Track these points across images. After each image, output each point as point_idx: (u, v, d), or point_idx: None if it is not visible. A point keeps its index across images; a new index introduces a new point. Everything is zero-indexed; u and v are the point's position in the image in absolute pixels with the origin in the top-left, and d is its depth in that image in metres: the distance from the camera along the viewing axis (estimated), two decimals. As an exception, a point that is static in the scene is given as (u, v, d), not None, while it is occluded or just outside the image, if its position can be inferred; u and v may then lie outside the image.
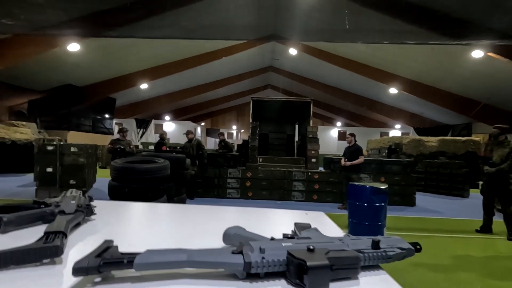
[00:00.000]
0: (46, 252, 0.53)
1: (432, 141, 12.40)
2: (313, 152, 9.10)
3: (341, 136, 25.91)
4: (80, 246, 0.65)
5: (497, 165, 5.01)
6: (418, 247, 0.63)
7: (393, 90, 17.75)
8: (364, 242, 0.59)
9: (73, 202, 0.79)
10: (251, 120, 10.11)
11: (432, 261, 3.78)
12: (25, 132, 12.13)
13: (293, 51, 17.11)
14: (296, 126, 12.69)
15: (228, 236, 0.63)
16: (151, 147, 15.00)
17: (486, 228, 5.30)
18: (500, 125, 5.28)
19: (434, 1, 7.16)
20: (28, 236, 0.61)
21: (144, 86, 18.53)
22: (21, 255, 0.52)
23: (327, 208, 7.05)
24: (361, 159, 6.85)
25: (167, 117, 28.37)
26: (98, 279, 0.49)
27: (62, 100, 16.45)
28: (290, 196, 8.11)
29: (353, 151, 6.93)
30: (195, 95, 23.39)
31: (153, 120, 26.26)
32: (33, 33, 7.60)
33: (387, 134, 25.33)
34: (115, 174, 4.32)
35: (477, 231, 5.34)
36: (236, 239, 0.60)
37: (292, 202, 7.94)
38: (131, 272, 0.49)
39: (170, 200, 4.82)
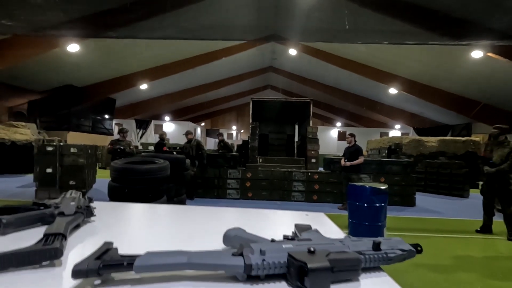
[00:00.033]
0: (46, 254, 0.53)
1: (432, 141, 12.41)
2: (313, 152, 9.10)
3: (341, 136, 25.92)
4: (79, 248, 0.65)
5: (497, 165, 5.01)
6: (419, 248, 0.63)
7: (392, 90, 17.76)
8: (365, 243, 0.59)
9: (72, 203, 0.79)
10: (251, 121, 10.11)
11: (432, 262, 3.78)
12: (25, 132, 12.12)
13: (292, 52, 17.12)
14: (296, 127, 12.70)
15: (228, 237, 0.63)
16: (151, 148, 15.00)
17: (486, 228, 5.30)
18: (500, 125, 5.28)
19: (433, 1, 7.17)
20: (28, 237, 0.61)
21: (144, 86, 18.53)
22: (21, 257, 0.52)
23: (327, 209, 7.05)
24: (361, 160, 6.85)
25: (167, 118, 28.37)
26: (98, 282, 0.48)
27: (62, 101, 16.45)
28: (290, 197, 8.11)
29: (353, 152, 6.93)
30: (195, 95, 23.40)
31: (153, 121, 26.26)
32: (33, 34, 7.60)
33: (387, 134, 25.34)
34: (115, 175, 4.32)
35: (477, 231, 5.34)
36: (236, 240, 0.60)
37: (292, 203, 7.94)
38: (131, 275, 0.49)
39: (170, 200, 4.82)
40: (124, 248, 0.54)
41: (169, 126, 27.08)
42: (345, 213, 4.67)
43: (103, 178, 7.36)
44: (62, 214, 0.73)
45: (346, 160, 6.93)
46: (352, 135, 7.11)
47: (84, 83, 16.69)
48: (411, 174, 8.16)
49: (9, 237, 0.67)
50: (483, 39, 6.56)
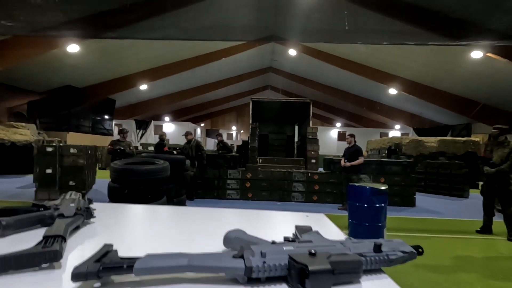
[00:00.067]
0: (45, 256, 0.53)
1: (431, 141, 12.41)
2: (313, 152, 9.11)
3: (341, 136, 25.92)
4: (79, 250, 0.64)
5: (497, 166, 5.01)
6: (420, 250, 0.63)
7: (392, 91, 17.77)
8: (366, 245, 0.59)
9: (72, 205, 0.78)
10: (250, 121, 10.11)
11: (433, 262, 3.78)
12: (25, 133, 12.11)
13: (292, 52, 17.12)
14: (296, 127, 12.70)
15: (228, 239, 0.63)
16: (151, 148, 15.00)
17: (486, 228, 5.29)
18: (499, 125, 5.28)
19: (433, 1, 7.17)
20: (27, 239, 0.61)
21: (143, 87, 18.53)
22: (20, 260, 0.51)
23: (327, 209, 7.04)
24: (361, 160, 6.85)
25: (166, 118, 28.37)
26: (97, 285, 0.48)
27: (62, 101, 16.44)
28: (290, 197, 8.11)
29: (352, 152, 6.93)
30: (194, 96, 23.41)
31: (152, 121, 26.26)
32: (32, 34, 7.60)
33: (386, 134, 25.35)
34: (114, 176, 4.31)
35: (477, 231, 5.34)
36: (237, 242, 0.60)
37: (292, 203, 7.94)
38: (131, 277, 0.49)
39: (169, 201, 4.81)
40: (124, 250, 0.54)
41: (169, 127, 27.08)
42: (345, 213, 4.66)
43: (103, 179, 7.36)
44: (61, 215, 0.73)
45: (346, 160, 6.93)
46: (352, 135, 7.10)
47: (83, 83, 16.69)
48: (411, 174, 8.16)
49: (8, 239, 0.67)
50: (483, 39, 6.57)
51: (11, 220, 0.70)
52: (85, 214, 0.80)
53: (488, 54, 10.69)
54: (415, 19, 7.18)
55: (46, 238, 0.58)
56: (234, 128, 36.60)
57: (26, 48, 10.77)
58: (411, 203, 7.90)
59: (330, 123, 31.56)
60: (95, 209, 0.85)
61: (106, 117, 21.30)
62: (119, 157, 6.56)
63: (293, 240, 0.60)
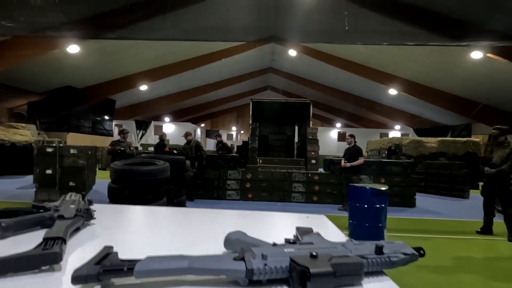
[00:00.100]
0: (45, 259, 0.53)
1: (432, 142, 12.41)
2: (313, 153, 9.10)
3: (341, 137, 25.92)
4: (79, 252, 0.64)
5: (497, 166, 5.01)
6: (421, 252, 0.62)
7: (392, 91, 17.78)
8: (367, 247, 0.59)
9: (72, 206, 0.78)
10: (250, 122, 10.10)
11: (433, 263, 3.77)
12: (25, 134, 12.10)
13: (292, 53, 17.13)
14: (296, 127, 12.70)
15: (229, 241, 0.62)
16: (151, 149, 15.00)
17: (486, 229, 5.29)
18: (500, 126, 5.28)
19: (433, 2, 7.17)
20: (27, 241, 0.61)
21: (143, 87, 18.54)
22: (20, 262, 0.51)
23: (327, 210, 7.04)
24: (361, 160, 6.84)
25: (166, 119, 28.38)
26: (97, 287, 0.48)
27: (62, 102, 16.45)
28: (290, 198, 8.10)
29: (353, 152, 6.93)
30: (194, 96, 23.41)
31: (152, 122, 26.27)
32: (33, 35, 7.60)
33: (386, 135, 25.36)
34: (114, 176, 4.31)
35: (477, 232, 5.34)
36: (238, 244, 0.59)
37: (292, 204, 7.93)
38: (131, 280, 0.48)
39: (170, 202, 4.81)
40: (124, 252, 0.53)
41: (169, 127, 27.09)
42: (345, 214, 4.66)
43: (103, 179, 7.35)
44: (61, 217, 0.72)
45: (346, 161, 6.93)
46: (352, 136, 7.10)
47: (83, 84, 16.69)
48: (411, 175, 8.16)
49: (8, 241, 0.67)
50: (483, 40, 6.57)
51: (11, 222, 0.69)
52: (85, 216, 0.80)
53: (488, 55, 10.70)
54: (415, 20, 7.19)
55: (46, 240, 0.58)
56: (234, 128, 36.61)
57: (26, 48, 10.77)
58: (411, 203, 7.89)
59: (330, 123, 31.57)
60: (95, 211, 0.85)
61: (106, 117, 21.31)
62: (119, 157, 6.56)
63: (294, 242, 0.60)
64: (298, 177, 8.12)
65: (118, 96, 19.35)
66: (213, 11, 8.80)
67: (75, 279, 0.45)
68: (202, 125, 35.06)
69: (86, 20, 7.02)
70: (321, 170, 8.76)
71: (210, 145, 28.70)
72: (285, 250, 0.53)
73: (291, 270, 0.50)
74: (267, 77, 25.27)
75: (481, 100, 15.35)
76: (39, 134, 13.60)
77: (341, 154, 7.40)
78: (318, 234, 0.66)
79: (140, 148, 17.92)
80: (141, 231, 0.92)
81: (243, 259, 0.50)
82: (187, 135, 8.05)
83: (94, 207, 0.87)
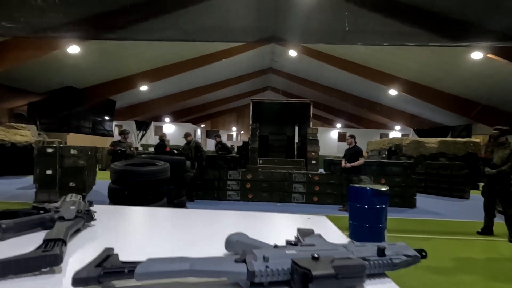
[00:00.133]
0: (45, 260, 0.52)
1: (432, 142, 12.41)
2: (313, 153, 9.10)
3: (341, 137, 25.94)
4: (80, 253, 0.64)
5: (498, 167, 5.00)
6: (423, 253, 0.62)
7: (392, 92, 17.78)
8: (369, 249, 0.58)
9: (72, 207, 0.78)
10: (251, 122, 10.11)
11: (434, 264, 3.76)
12: (25, 134, 12.11)
13: (292, 53, 17.13)
14: (296, 128, 12.69)
15: (230, 243, 0.62)
16: (151, 149, 15.00)
17: (487, 230, 5.28)
18: (500, 126, 5.28)
19: (433, 3, 7.18)
20: (27, 243, 0.60)
21: (144, 88, 18.55)
22: (20, 264, 0.51)
23: (328, 210, 7.04)
24: (361, 161, 6.84)
25: (167, 119, 28.39)
26: (98, 290, 0.47)
27: (62, 102, 16.46)
28: (290, 198, 8.10)
29: (353, 153, 6.93)
30: (195, 97, 23.42)
31: (153, 122, 26.28)
32: (33, 35, 7.61)
33: (387, 135, 25.36)
34: (115, 177, 4.31)
35: (478, 233, 5.33)
36: (239, 246, 0.59)
37: (293, 204, 7.93)
38: (132, 282, 0.48)
39: (170, 202, 4.81)
40: (125, 253, 0.53)
41: (169, 128, 27.11)
42: (345, 214, 4.66)
43: (103, 180, 7.35)
44: (62, 218, 0.72)
45: (346, 161, 6.92)
46: (352, 136, 7.10)
47: (84, 84, 16.70)
48: (412, 175, 8.15)
49: (8, 243, 0.66)
50: (483, 40, 6.57)
51: (11, 223, 0.69)
52: (86, 217, 0.80)
53: (489, 55, 10.70)
54: (416, 20, 7.19)
55: (46, 241, 0.57)
56: (234, 129, 36.62)
57: (26, 49, 10.78)
58: (411, 204, 7.89)
59: (330, 124, 31.57)
60: (95, 212, 0.85)
61: (107, 118, 21.32)
62: (120, 158, 6.56)
63: (295, 244, 0.59)
64: (299, 177, 8.12)
65: (118, 96, 19.36)
66: (213, 12, 8.81)
67: (76, 281, 0.45)
68: (202, 125, 35.08)
69: (86, 21, 7.03)
70: (321, 170, 8.75)
71: (210, 145, 28.69)
72: (287, 252, 0.53)
73: (292, 273, 0.49)
74: (267, 78, 25.28)
75: (481, 100, 15.35)
76: (39, 134, 13.61)
77: (341, 155, 7.40)
78: (319, 236, 0.66)
79: (140, 149, 17.93)
80: (141, 233, 0.91)
81: (244, 261, 0.50)
82: (186, 135, 8.05)
83: (94, 208, 0.86)
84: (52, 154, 7.05)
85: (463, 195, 9.67)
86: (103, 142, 17.74)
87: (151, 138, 25.19)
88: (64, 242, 0.59)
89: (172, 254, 0.52)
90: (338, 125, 30.53)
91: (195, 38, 8.30)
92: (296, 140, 12.57)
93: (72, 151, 7.25)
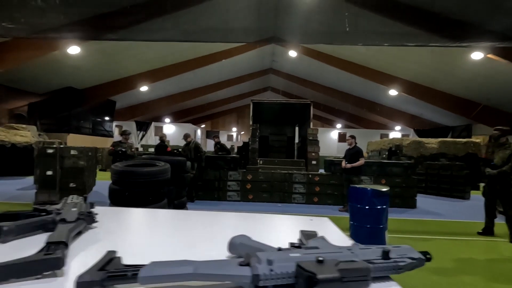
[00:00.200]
0: (47, 264, 0.52)
1: (432, 142, 12.40)
2: (313, 154, 9.09)
3: (341, 138, 25.94)
4: (82, 256, 0.63)
5: (499, 167, 5.00)
6: (428, 256, 0.62)
7: (393, 92, 17.78)
8: (374, 252, 0.58)
9: (74, 209, 0.78)
10: (251, 122, 10.10)
11: (434, 264, 3.74)
12: (25, 135, 12.10)
13: (292, 53, 17.13)
14: (296, 128, 12.69)
15: (233, 245, 0.62)
16: (151, 150, 15.00)
17: (488, 230, 5.28)
18: (500, 127, 5.28)
19: (434, 3, 7.17)
20: (29, 245, 0.60)
21: (144, 88, 18.55)
22: (22, 268, 0.50)
23: (328, 211, 7.03)
24: (361, 161, 6.83)
25: (167, 119, 28.38)
26: (101, 293, 0.47)
27: (62, 103, 16.46)
28: (290, 199, 8.09)
29: (353, 153, 6.92)
30: (195, 97, 23.42)
31: (153, 123, 26.28)
32: (33, 36, 7.61)
33: (387, 136, 25.36)
34: (115, 178, 4.30)
35: (479, 233, 5.32)
36: (242, 248, 0.59)
37: (293, 205, 7.92)
38: (135, 285, 0.48)
39: (170, 203, 4.80)
40: (127, 256, 0.53)
41: (169, 128, 27.11)
42: (346, 215, 4.65)
43: (103, 180, 7.35)
44: (63, 221, 0.72)
45: (346, 162, 6.92)
46: (352, 136, 7.09)
47: (84, 85, 16.71)
48: (412, 175, 8.15)
49: (10, 245, 0.66)
50: (483, 41, 6.57)
51: (13, 226, 0.69)
52: (87, 219, 0.79)
53: (489, 56, 10.70)
54: (416, 21, 7.19)
55: (48, 244, 0.57)
56: (234, 129, 36.61)
57: (27, 50, 10.79)
58: (412, 204, 7.88)
59: (330, 124, 31.57)
60: (97, 214, 0.84)
61: (107, 118, 21.32)
62: (120, 158, 6.56)
63: (299, 246, 0.59)
64: (299, 178, 8.11)
65: (119, 97, 19.36)
66: (213, 12, 8.81)
67: (79, 285, 0.45)
68: (203, 126, 35.08)
69: (86, 21, 7.03)
70: (321, 171, 8.75)
71: (210, 146, 28.68)
72: (291, 255, 0.52)
73: (297, 276, 0.49)
74: (267, 78, 25.28)
75: (482, 100, 15.35)
76: (39, 135, 13.60)
77: (342, 155, 7.40)
78: (323, 238, 0.65)
79: (140, 149, 17.93)
80: (143, 234, 0.91)
81: (248, 264, 0.49)
82: (186, 136, 8.05)
83: (95, 210, 0.86)
84: (53, 154, 7.04)
85: (463, 196, 9.67)
86: (103, 143, 17.73)
87: (151, 139, 25.19)
88: (66, 245, 0.59)
89: (173, 256, 0.52)
90: (338, 126, 30.54)
91: (195, 38, 8.31)
92: (296, 140, 12.56)
93: (72, 152, 7.24)
